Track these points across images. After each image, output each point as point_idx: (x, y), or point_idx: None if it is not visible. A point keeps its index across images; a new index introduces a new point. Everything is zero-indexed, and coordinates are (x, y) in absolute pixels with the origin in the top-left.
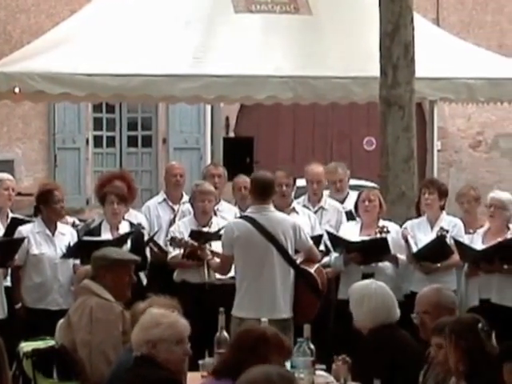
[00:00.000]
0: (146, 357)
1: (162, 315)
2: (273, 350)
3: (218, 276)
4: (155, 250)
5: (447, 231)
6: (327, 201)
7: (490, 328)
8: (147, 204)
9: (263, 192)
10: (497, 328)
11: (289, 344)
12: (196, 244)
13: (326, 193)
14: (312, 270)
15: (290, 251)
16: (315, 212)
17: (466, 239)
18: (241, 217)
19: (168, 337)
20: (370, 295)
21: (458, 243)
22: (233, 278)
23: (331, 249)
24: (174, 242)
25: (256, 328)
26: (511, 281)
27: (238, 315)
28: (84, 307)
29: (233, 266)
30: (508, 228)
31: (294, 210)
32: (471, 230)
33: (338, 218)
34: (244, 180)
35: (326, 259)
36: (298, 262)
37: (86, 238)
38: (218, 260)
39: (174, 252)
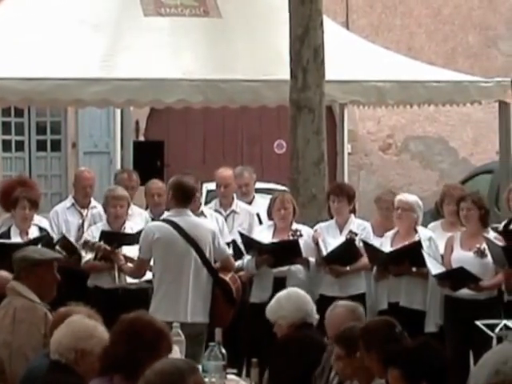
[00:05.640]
0: (64, 363)
1: (94, 327)
2: (167, 348)
3: (129, 280)
4: (63, 253)
5: (356, 234)
6: (238, 204)
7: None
8: (55, 209)
9: (185, 198)
10: (405, 331)
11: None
12: (109, 248)
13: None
14: (227, 278)
15: (208, 256)
16: (227, 216)
17: (376, 242)
18: (162, 220)
19: (97, 352)
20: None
21: (366, 245)
22: (149, 281)
23: (244, 252)
24: (87, 245)
25: (153, 321)
26: (419, 284)
27: None
28: (8, 308)
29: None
30: (416, 231)
31: (202, 213)
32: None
33: (251, 222)
34: (157, 186)
35: (238, 262)
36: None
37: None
38: (131, 265)
39: (88, 256)
